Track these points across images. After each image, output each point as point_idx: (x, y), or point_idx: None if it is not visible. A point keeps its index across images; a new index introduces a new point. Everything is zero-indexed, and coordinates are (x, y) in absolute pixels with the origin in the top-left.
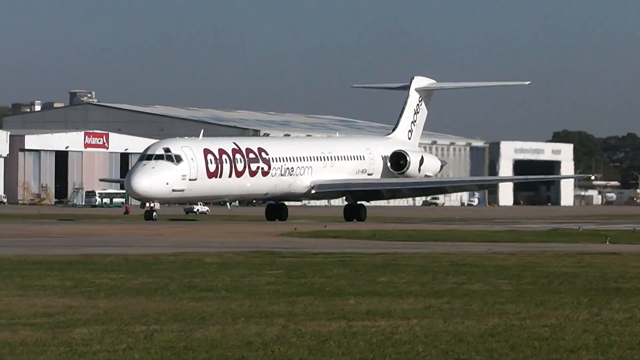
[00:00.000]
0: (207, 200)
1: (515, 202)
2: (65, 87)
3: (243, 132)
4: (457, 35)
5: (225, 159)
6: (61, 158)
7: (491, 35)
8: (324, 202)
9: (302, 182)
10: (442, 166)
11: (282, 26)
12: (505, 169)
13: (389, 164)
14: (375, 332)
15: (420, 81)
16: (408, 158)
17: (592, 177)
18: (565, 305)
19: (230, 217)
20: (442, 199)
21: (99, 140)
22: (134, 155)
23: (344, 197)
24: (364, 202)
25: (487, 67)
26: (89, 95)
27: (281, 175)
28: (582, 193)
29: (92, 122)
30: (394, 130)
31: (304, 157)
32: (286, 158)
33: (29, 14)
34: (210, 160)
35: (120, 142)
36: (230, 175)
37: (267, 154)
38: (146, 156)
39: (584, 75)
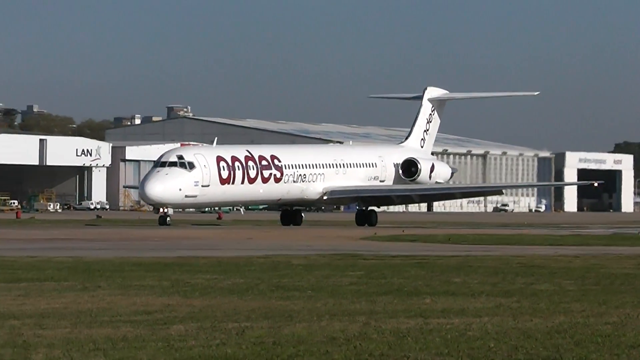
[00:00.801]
0: (220, 206)
1: (579, 208)
2: (163, 102)
3: (326, 143)
4: (477, 48)
5: (238, 166)
6: None
7: (544, 50)
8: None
9: (315, 188)
10: (452, 173)
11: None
12: (570, 177)
13: (400, 171)
14: (450, 329)
15: (432, 91)
16: (419, 165)
17: (596, 184)
18: (626, 304)
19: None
20: (511, 205)
21: None
22: None
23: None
24: (375, 208)
25: (534, 80)
26: (185, 109)
27: (294, 181)
28: None
29: (187, 134)
30: (407, 138)
31: (316, 164)
32: (299, 165)
33: (131, 36)
34: (223, 167)
35: None
36: (242, 182)
37: (279, 161)
38: (160, 163)
39: None
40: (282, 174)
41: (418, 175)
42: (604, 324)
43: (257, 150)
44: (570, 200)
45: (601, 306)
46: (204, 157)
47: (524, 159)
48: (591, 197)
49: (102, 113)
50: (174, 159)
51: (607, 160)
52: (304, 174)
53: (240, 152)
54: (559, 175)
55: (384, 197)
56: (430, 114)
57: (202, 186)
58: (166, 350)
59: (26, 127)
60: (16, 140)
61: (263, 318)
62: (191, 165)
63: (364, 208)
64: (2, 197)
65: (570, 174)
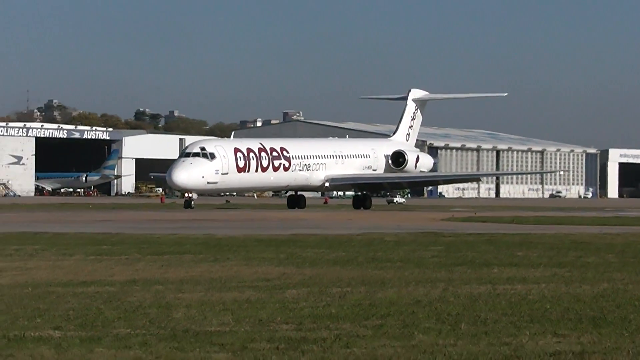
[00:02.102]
0: (237, 191)
1: (620, 195)
2: (280, 108)
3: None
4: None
5: (253, 157)
6: None
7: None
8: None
9: (318, 176)
10: (435, 163)
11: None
12: (613, 170)
13: (390, 162)
14: (514, 294)
15: (416, 93)
16: (406, 156)
17: (562, 172)
18: None
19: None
20: (564, 192)
21: None
22: None
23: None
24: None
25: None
26: (298, 114)
27: (300, 170)
28: None
29: (299, 134)
30: (394, 133)
31: (319, 155)
32: (304, 156)
33: (255, 56)
34: (240, 157)
35: None
36: (256, 170)
37: (288, 153)
38: (185, 154)
39: None
40: (290, 164)
41: (405, 165)
42: None
43: (268, 143)
44: (613, 188)
45: (638, 275)
46: (223, 148)
47: (574, 155)
48: (630, 186)
49: (230, 117)
50: (197, 150)
51: None
52: (309, 164)
53: (255, 144)
54: (604, 168)
55: (377, 184)
56: (414, 112)
57: (222, 174)
58: (282, 310)
59: (168, 129)
60: (160, 139)
61: (361, 284)
62: (212, 156)
63: (360, 193)
64: (149, 186)
65: (612, 167)
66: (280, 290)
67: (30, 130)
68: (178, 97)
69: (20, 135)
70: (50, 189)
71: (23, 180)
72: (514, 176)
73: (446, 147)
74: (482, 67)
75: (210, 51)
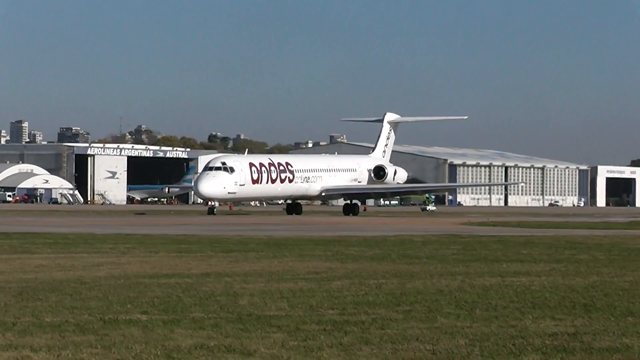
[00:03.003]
0: (251, 200)
1: (607, 204)
2: (327, 132)
3: (437, 160)
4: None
5: (264, 170)
6: None
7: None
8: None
9: (315, 187)
10: (408, 176)
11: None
12: (601, 184)
13: (372, 175)
14: (519, 285)
15: (390, 116)
16: (386, 170)
17: (522, 184)
18: (639, 268)
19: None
20: (560, 202)
21: None
22: None
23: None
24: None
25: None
26: (342, 137)
27: (301, 182)
28: None
29: (342, 154)
30: (373, 150)
31: (316, 169)
32: (305, 170)
33: (306, 89)
34: (254, 171)
35: None
36: (267, 182)
37: (291, 167)
38: (208, 168)
39: None
40: (293, 176)
41: (385, 177)
42: (623, 282)
43: (275, 159)
44: (601, 198)
45: (622, 270)
46: (240, 163)
47: (569, 171)
48: (615, 197)
49: (286, 139)
50: (219, 164)
51: (626, 171)
52: (308, 176)
53: (265, 159)
54: (593, 182)
55: (365, 194)
56: (389, 133)
57: (240, 185)
58: (329, 297)
59: (235, 149)
60: None
61: (394, 277)
62: (232, 169)
63: (349, 202)
64: None
65: (600, 181)
66: (328, 282)
67: (123, 150)
68: (244, 122)
69: (114, 155)
70: (139, 199)
71: (117, 191)
72: (521, 188)
73: (463, 165)
74: (492, 96)
75: (270, 86)
